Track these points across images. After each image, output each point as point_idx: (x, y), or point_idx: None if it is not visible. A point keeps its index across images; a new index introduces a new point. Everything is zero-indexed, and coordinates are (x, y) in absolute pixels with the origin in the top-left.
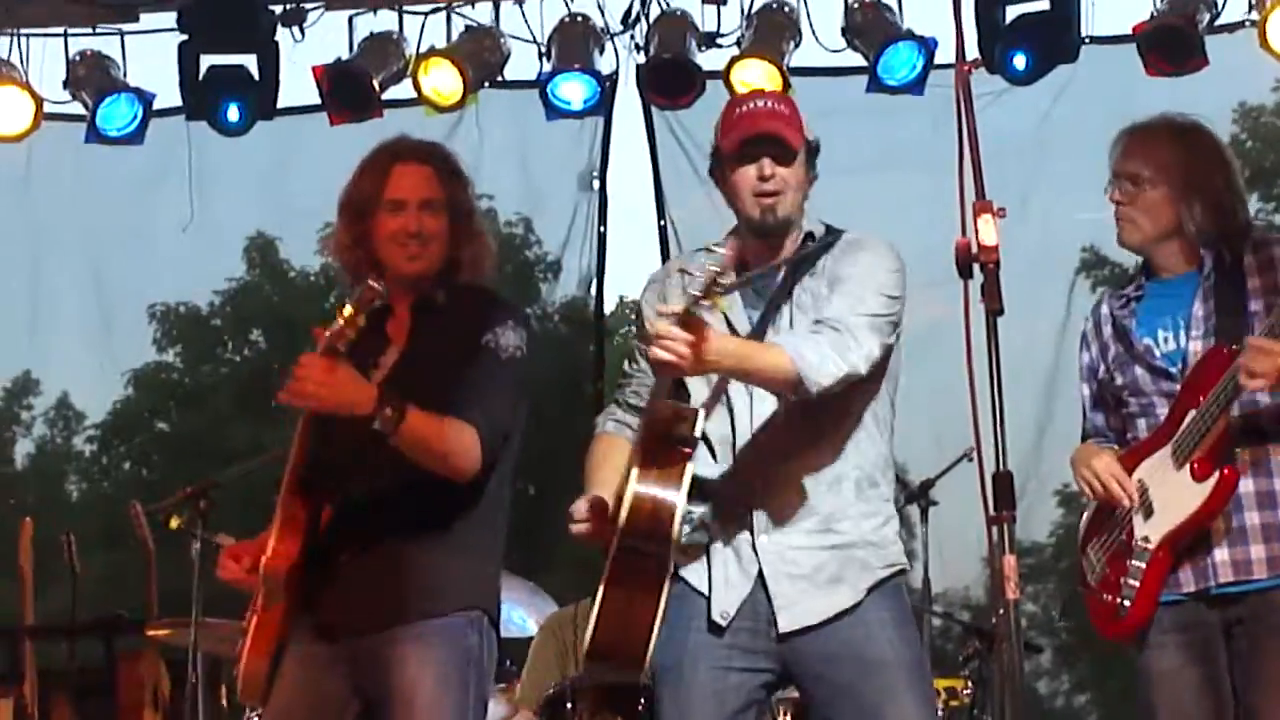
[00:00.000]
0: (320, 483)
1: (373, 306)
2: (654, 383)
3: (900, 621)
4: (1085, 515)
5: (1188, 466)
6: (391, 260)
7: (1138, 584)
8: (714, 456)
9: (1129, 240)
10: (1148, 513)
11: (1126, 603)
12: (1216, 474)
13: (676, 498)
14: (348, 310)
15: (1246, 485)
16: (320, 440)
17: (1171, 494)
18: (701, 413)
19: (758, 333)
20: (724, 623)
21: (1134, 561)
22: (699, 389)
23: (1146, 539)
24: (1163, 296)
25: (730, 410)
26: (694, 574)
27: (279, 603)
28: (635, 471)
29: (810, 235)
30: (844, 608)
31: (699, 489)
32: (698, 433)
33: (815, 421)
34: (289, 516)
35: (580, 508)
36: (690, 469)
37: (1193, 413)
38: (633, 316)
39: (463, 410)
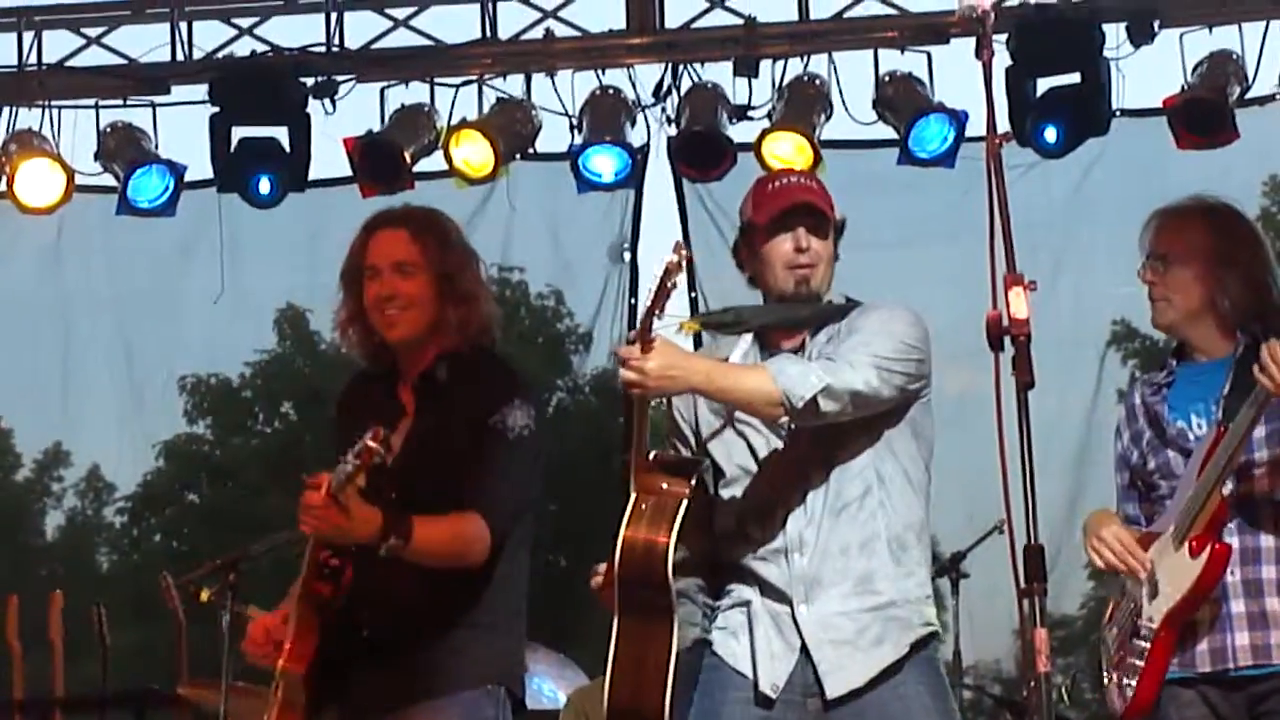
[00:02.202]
0: (335, 572)
1: (374, 464)
2: (634, 414)
3: (937, 693)
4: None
5: (1186, 544)
6: (379, 327)
7: (1142, 664)
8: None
9: (1161, 320)
10: (1153, 593)
11: (1132, 683)
12: (1208, 550)
13: (667, 538)
14: (349, 468)
15: (1270, 572)
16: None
17: (1172, 573)
18: (705, 461)
19: None
20: (774, 695)
21: (1139, 641)
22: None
23: (1150, 619)
24: (1195, 381)
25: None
26: (729, 647)
27: (299, 703)
28: (626, 517)
29: (830, 304)
30: (888, 664)
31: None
32: (693, 480)
33: (840, 481)
34: (304, 616)
35: (600, 566)
36: (682, 510)
37: (1190, 491)
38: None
39: (469, 499)
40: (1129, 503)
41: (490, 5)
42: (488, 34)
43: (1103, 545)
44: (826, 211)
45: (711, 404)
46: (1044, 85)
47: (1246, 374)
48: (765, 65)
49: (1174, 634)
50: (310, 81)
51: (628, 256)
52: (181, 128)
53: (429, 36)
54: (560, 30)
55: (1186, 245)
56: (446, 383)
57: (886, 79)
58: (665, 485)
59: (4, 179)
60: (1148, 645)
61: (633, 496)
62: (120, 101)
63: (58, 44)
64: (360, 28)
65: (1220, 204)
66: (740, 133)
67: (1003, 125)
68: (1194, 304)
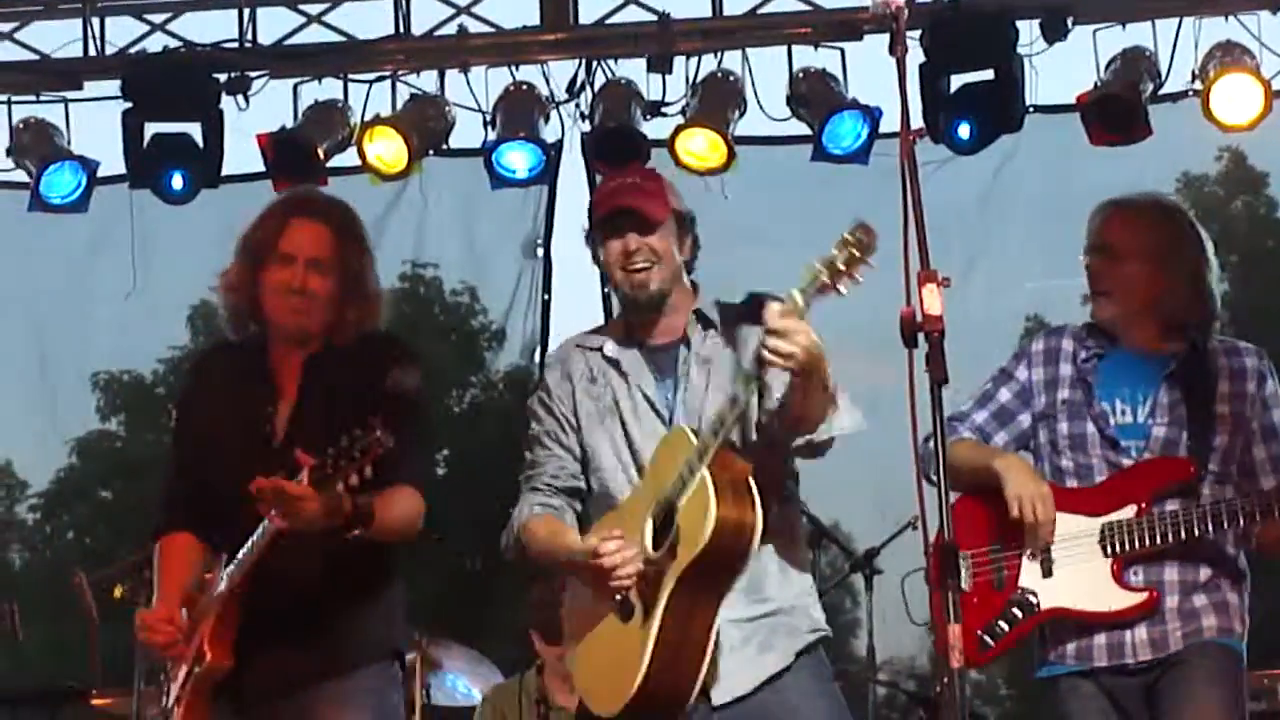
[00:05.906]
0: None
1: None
2: (730, 399)
3: (824, 690)
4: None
5: (1111, 561)
6: (273, 310)
7: (1008, 629)
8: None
9: (1103, 314)
10: (1046, 570)
11: (990, 640)
12: (1145, 594)
13: (756, 517)
14: (344, 462)
15: (1171, 573)
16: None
17: (1083, 574)
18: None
19: (669, 409)
20: None
21: (1014, 609)
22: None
23: (1035, 594)
24: (1125, 366)
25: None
26: None
27: (210, 694)
28: (712, 497)
29: (701, 313)
30: (773, 673)
31: None
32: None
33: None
34: (231, 611)
35: (608, 545)
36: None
37: (1133, 508)
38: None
39: (400, 472)
40: (995, 423)
41: (403, 1)
42: (401, 30)
43: (1036, 501)
44: (648, 212)
45: (592, 392)
46: (957, 82)
47: (1183, 381)
48: (679, 61)
49: (1051, 622)
50: (223, 77)
51: (541, 252)
52: (94, 124)
53: (342, 32)
54: (474, 26)
55: (1135, 240)
56: (331, 356)
57: (800, 75)
58: (732, 460)
59: None
60: (1022, 616)
61: (706, 475)
62: (32, 97)
63: None
64: (273, 23)
65: (1171, 203)
66: (654, 129)
67: (916, 122)
68: (1136, 302)
